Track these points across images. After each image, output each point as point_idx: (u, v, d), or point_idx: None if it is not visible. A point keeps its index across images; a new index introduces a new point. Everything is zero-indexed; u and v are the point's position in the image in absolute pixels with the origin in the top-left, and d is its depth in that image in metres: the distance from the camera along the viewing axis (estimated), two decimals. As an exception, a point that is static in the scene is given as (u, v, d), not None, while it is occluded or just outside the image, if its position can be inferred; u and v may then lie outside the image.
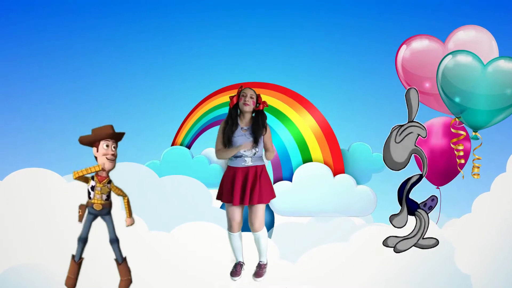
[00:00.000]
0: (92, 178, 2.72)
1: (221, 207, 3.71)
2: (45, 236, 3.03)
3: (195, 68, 6.00)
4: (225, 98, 4.24)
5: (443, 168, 4.16)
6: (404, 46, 3.94)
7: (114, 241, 2.74)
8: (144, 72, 6.02)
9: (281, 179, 4.04)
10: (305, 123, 4.03)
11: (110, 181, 2.75)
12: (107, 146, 2.66)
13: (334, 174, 3.96)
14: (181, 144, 4.27)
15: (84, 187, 2.84)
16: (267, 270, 2.94)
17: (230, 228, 2.88)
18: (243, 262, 2.95)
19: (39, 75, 5.71)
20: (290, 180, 3.99)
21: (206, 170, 4.09)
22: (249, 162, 2.80)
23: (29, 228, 3.04)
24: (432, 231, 3.03)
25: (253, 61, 5.85)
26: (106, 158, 2.66)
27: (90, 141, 2.69)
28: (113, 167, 2.73)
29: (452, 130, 3.74)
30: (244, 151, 2.80)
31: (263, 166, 2.88)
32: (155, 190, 3.58)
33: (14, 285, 2.85)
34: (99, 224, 2.80)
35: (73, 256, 2.78)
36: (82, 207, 2.72)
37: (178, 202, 3.61)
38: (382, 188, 4.13)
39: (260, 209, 2.81)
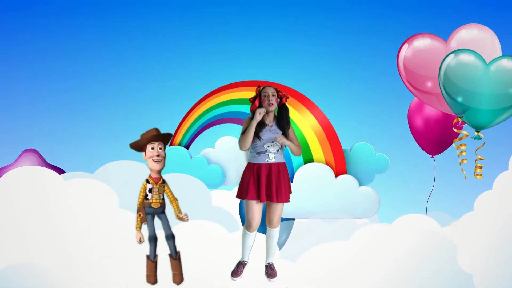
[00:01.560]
0: (147, 181, 2.94)
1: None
2: (43, 235, 3.15)
3: (193, 67, 6.17)
4: (224, 96, 4.34)
5: (437, 137, 4.35)
6: (406, 45, 4.03)
7: (170, 237, 2.95)
8: (141, 72, 6.20)
9: (282, 180, 4.16)
10: (306, 123, 4.10)
11: (164, 181, 2.99)
12: (152, 148, 2.90)
13: (336, 175, 4.04)
14: (179, 144, 4.36)
15: (80, 188, 3.13)
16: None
17: (249, 228, 2.94)
18: (247, 262, 3.04)
19: (36, 73, 5.91)
20: (291, 181, 4.01)
21: (205, 171, 4.18)
22: (272, 158, 2.90)
23: (27, 227, 3.17)
24: (432, 229, 3.18)
25: (253, 59, 6.02)
26: (152, 160, 2.91)
27: (139, 146, 2.94)
28: (162, 166, 2.96)
29: (455, 130, 3.85)
30: (268, 146, 2.90)
31: (284, 164, 2.98)
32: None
33: (12, 284, 2.98)
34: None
35: (147, 256, 2.99)
36: (141, 210, 2.91)
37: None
38: (385, 189, 4.27)
39: (281, 206, 2.96)
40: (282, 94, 2.98)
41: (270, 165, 2.92)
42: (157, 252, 2.97)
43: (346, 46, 6.10)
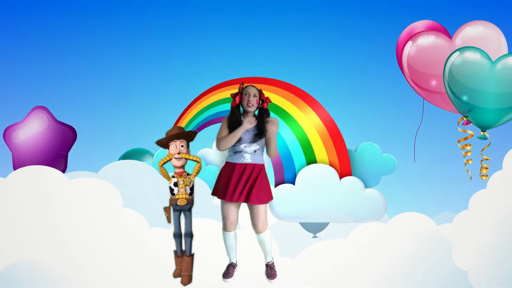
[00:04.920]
0: (173, 176, 3.40)
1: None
2: (46, 234, 3.55)
3: (193, 67, 6.58)
4: (221, 95, 4.64)
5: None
6: (409, 43, 4.37)
7: (189, 235, 3.41)
8: (138, 71, 6.67)
9: (283, 182, 4.34)
10: (309, 122, 4.34)
11: (188, 174, 3.43)
12: (174, 147, 3.35)
13: (341, 177, 4.28)
14: (176, 144, 4.79)
15: (84, 187, 3.59)
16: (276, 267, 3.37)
17: (224, 227, 3.25)
18: (236, 263, 3.36)
19: (37, 74, 6.43)
20: (293, 183, 4.30)
21: (202, 171, 4.22)
22: (248, 159, 3.17)
23: (30, 225, 3.56)
24: (428, 227, 3.62)
25: (254, 56, 6.37)
26: (174, 157, 3.35)
27: (163, 144, 3.38)
28: (184, 163, 3.41)
29: (459, 129, 4.23)
30: (245, 146, 3.17)
31: (263, 166, 3.25)
32: (156, 187, 3.91)
33: (16, 282, 3.39)
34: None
35: (175, 252, 3.44)
36: (167, 209, 3.36)
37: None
38: (392, 192, 4.48)
39: (261, 209, 3.18)
40: (265, 98, 3.23)
41: (245, 165, 3.19)
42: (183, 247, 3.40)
43: (350, 43, 6.43)
